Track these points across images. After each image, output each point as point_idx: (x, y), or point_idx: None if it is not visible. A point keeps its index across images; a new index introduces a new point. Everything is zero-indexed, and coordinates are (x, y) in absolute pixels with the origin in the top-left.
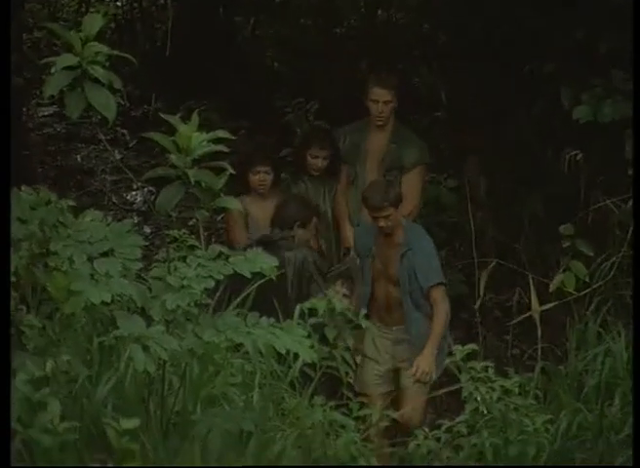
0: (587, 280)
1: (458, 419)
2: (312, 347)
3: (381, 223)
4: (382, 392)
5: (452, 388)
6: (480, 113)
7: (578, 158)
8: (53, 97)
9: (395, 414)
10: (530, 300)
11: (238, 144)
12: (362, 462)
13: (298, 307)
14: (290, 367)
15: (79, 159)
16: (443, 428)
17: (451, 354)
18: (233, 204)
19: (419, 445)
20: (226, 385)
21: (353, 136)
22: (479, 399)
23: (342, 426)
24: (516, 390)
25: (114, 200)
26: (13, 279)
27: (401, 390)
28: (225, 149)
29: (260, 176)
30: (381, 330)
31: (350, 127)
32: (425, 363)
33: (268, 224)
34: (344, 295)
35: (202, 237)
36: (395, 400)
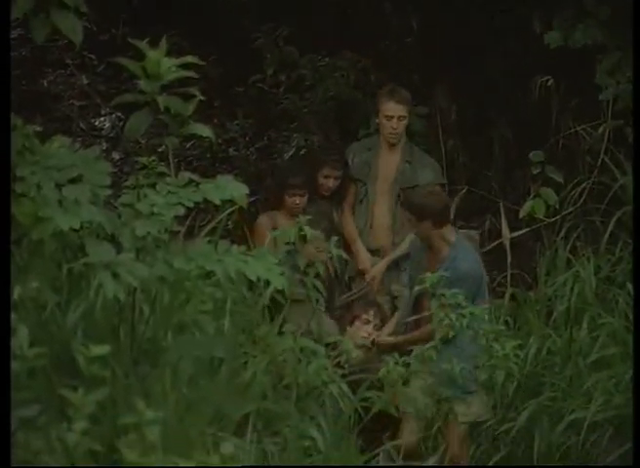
0: (557, 206)
1: (428, 345)
2: (283, 274)
3: (424, 234)
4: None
5: (423, 315)
6: (450, 40)
7: (549, 84)
8: (17, 19)
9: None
10: (500, 227)
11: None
12: (333, 388)
13: (269, 234)
14: (260, 294)
15: (45, 84)
16: (413, 354)
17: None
18: (204, 131)
19: (389, 371)
20: (197, 312)
21: (362, 154)
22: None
23: (313, 352)
24: (486, 316)
25: (82, 126)
26: None
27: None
28: (195, 75)
29: (296, 199)
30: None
31: (359, 144)
32: (383, 342)
33: None
34: (375, 326)
35: (172, 164)
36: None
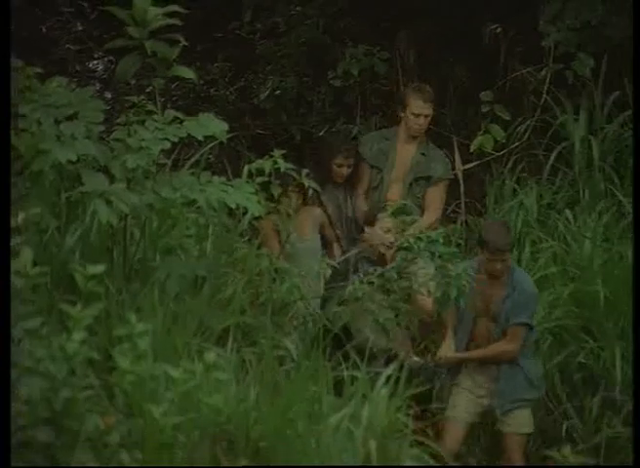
0: (504, 141)
1: (388, 266)
2: (259, 202)
3: (499, 266)
4: (468, 421)
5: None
6: None
7: (497, 31)
8: None
9: None
10: (454, 160)
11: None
12: (301, 305)
13: (246, 167)
14: (239, 220)
15: (44, 30)
16: (376, 273)
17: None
18: (187, 73)
19: (355, 289)
20: (182, 237)
21: (381, 143)
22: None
23: (287, 272)
24: (441, 240)
25: (77, 68)
26: None
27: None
28: (178, 22)
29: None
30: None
31: (377, 134)
32: (447, 352)
33: (308, 230)
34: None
35: (158, 103)
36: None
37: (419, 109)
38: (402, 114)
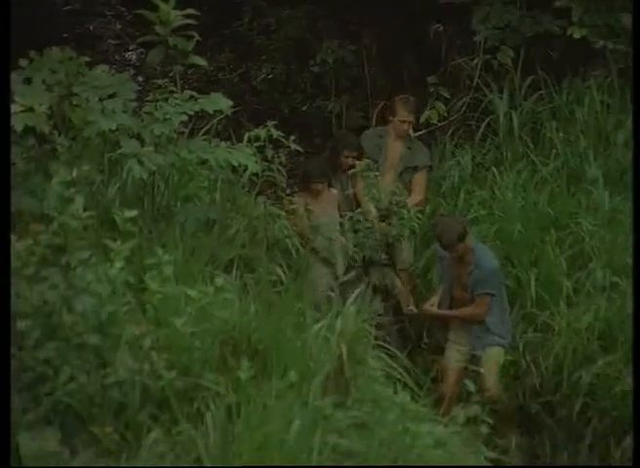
0: (446, 115)
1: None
2: (256, 162)
3: (453, 254)
4: (459, 366)
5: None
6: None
7: (440, 29)
8: None
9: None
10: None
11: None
12: (289, 242)
13: (246, 135)
14: (241, 175)
15: (91, 28)
16: (347, 217)
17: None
18: (200, 61)
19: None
20: (197, 188)
21: (376, 139)
22: None
23: (278, 216)
24: (398, 191)
25: (116, 58)
26: (48, 112)
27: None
28: (194, 22)
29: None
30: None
31: (373, 132)
32: (429, 307)
33: (329, 207)
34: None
35: (178, 85)
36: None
37: (404, 117)
38: (391, 119)
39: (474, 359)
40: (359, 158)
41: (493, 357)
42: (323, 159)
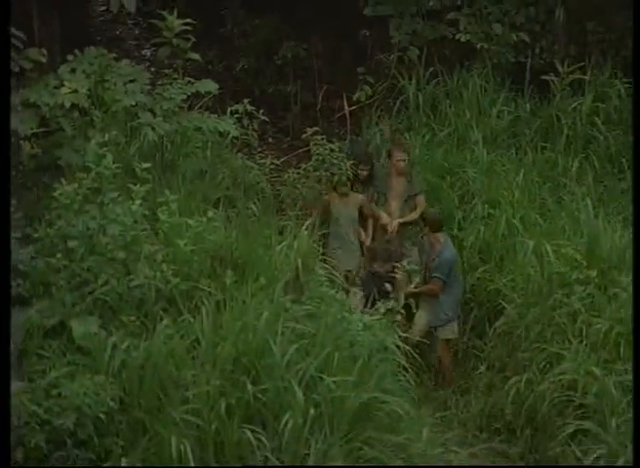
0: (372, 94)
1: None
2: (236, 129)
3: (431, 239)
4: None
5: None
6: (314, 8)
7: (367, 34)
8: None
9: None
10: (343, 106)
11: None
12: (260, 186)
13: (228, 109)
14: (225, 138)
15: (118, 33)
16: None
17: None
18: (195, 56)
19: None
20: (194, 148)
21: (382, 174)
22: None
23: (252, 167)
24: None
25: (135, 54)
26: (87, 93)
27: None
28: (190, 28)
29: (364, 172)
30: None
31: (380, 167)
32: (409, 291)
33: (350, 205)
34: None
35: (180, 73)
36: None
37: (400, 157)
38: (389, 160)
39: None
40: (370, 172)
41: (443, 334)
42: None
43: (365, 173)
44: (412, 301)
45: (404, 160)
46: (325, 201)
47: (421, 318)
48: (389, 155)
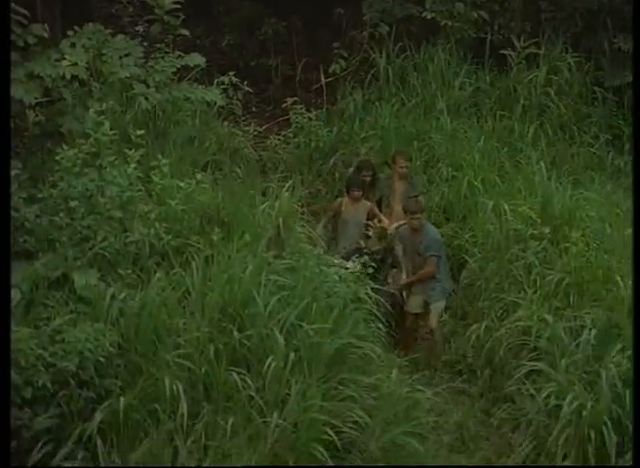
0: (346, 68)
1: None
2: (222, 99)
3: (415, 222)
4: (417, 311)
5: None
6: None
7: (341, 12)
8: None
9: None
10: (320, 78)
11: None
12: (245, 152)
13: (215, 80)
14: (212, 108)
15: (113, 11)
16: None
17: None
18: (185, 32)
19: None
20: (184, 116)
21: (386, 181)
22: None
23: (236, 134)
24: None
25: (130, 30)
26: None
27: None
28: (180, 7)
29: (355, 192)
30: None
31: (384, 176)
32: (403, 282)
33: (359, 211)
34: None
35: (171, 47)
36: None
37: (402, 164)
38: (393, 165)
39: (426, 305)
40: (372, 178)
41: (439, 306)
42: (359, 176)
43: (368, 179)
44: None
45: (406, 166)
46: (339, 203)
47: (414, 300)
48: (393, 161)
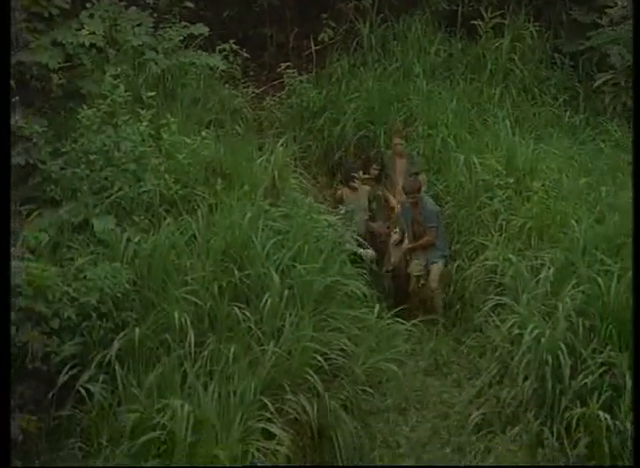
0: (333, 37)
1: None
2: (223, 64)
3: (411, 200)
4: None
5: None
6: None
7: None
8: None
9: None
10: (310, 45)
11: None
12: (244, 111)
13: (217, 48)
14: (215, 72)
15: None
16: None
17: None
18: (190, 4)
19: None
20: (190, 80)
21: (387, 158)
22: None
23: (236, 95)
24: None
25: (141, 2)
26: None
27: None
28: None
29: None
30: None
31: (386, 154)
32: (407, 247)
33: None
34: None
35: (177, 18)
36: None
37: (397, 141)
38: (392, 143)
39: (426, 268)
40: (380, 171)
41: (438, 267)
42: (356, 165)
43: (377, 172)
44: None
45: (401, 144)
46: (339, 195)
47: (416, 264)
48: (390, 139)
